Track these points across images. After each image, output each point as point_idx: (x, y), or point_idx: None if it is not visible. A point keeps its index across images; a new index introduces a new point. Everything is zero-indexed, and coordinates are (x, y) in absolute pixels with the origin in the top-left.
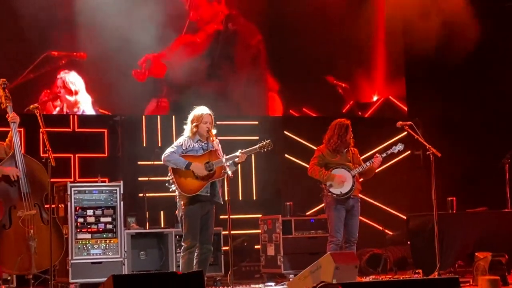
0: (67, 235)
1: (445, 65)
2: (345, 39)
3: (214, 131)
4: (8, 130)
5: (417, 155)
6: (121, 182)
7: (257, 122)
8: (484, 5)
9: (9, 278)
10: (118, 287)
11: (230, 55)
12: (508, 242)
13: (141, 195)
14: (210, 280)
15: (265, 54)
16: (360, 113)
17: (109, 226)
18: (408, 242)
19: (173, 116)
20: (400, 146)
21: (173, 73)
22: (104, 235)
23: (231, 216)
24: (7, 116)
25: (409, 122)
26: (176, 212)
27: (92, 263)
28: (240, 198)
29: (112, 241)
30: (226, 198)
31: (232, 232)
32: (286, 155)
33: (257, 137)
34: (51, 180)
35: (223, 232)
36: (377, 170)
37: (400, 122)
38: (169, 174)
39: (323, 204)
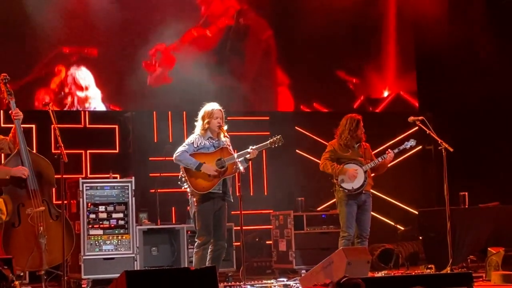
0: (79, 231)
1: (457, 59)
2: (355, 34)
3: (225, 127)
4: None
5: (429, 150)
6: (133, 178)
7: (268, 118)
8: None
9: (22, 274)
10: (131, 283)
11: (240, 50)
12: None
13: (152, 191)
14: (222, 276)
15: (275, 49)
16: (371, 108)
17: (121, 222)
18: (420, 237)
19: (184, 112)
20: (412, 142)
21: (182, 66)
22: (116, 231)
23: (242, 212)
24: (10, 112)
25: (421, 117)
26: (189, 208)
27: (104, 259)
28: (252, 194)
29: (124, 237)
30: (237, 194)
31: (244, 227)
32: (297, 151)
33: (268, 133)
34: (63, 176)
35: (235, 228)
36: (389, 165)
37: (412, 117)
38: (181, 172)
39: (334, 200)
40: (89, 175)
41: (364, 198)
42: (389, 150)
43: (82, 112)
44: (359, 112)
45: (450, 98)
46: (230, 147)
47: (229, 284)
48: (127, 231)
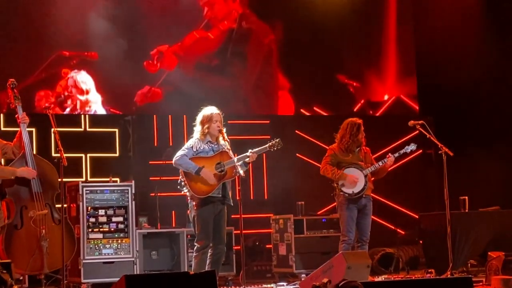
0: (79, 235)
1: (457, 62)
2: (356, 38)
3: (224, 130)
4: (18, 129)
5: (429, 154)
6: (133, 181)
7: (268, 121)
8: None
9: (21, 278)
10: (131, 287)
11: (242, 53)
12: None
13: (152, 194)
14: (221, 280)
15: (277, 53)
16: (371, 112)
17: (121, 226)
18: (420, 242)
19: (184, 116)
20: (412, 146)
21: (184, 67)
22: (116, 235)
23: (242, 216)
24: (16, 117)
25: (421, 121)
26: (188, 212)
27: (104, 263)
28: (252, 198)
29: (123, 241)
30: (237, 198)
31: (244, 231)
32: (298, 154)
33: (268, 136)
34: (63, 180)
35: (235, 232)
36: (389, 169)
37: (412, 121)
38: (180, 176)
39: (334, 204)
40: (89, 179)
41: (364, 202)
42: (389, 154)
43: (82, 115)
44: (359, 116)
45: (450, 102)
46: (230, 151)
47: None
48: (127, 235)
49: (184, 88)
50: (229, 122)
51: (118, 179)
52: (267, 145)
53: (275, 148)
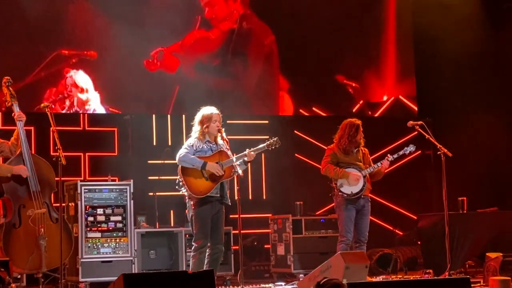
0: (77, 234)
1: (456, 63)
2: (355, 39)
3: (223, 130)
4: (15, 128)
5: (428, 155)
6: (131, 181)
7: (267, 121)
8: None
9: (19, 276)
10: (129, 286)
11: (242, 53)
12: None
13: (151, 194)
14: (220, 280)
15: (277, 54)
16: (370, 112)
17: (119, 225)
18: (419, 242)
19: (183, 115)
20: (411, 147)
21: (185, 67)
22: (114, 234)
23: (241, 216)
24: (13, 115)
25: (420, 122)
26: (186, 212)
27: (102, 262)
28: (250, 198)
29: (122, 240)
30: (236, 198)
31: (242, 231)
32: (296, 155)
33: (267, 136)
34: (61, 178)
35: (233, 232)
36: (388, 170)
37: (411, 121)
38: (178, 176)
39: (333, 204)
40: (87, 178)
41: (362, 202)
42: (388, 155)
43: (81, 114)
44: (358, 116)
45: (449, 103)
46: (229, 151)
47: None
48: (125, 234)
49: (184, 88)
50: (228, 122)
51: (116, 178)
52: (265, 144)
53: (273, 147)
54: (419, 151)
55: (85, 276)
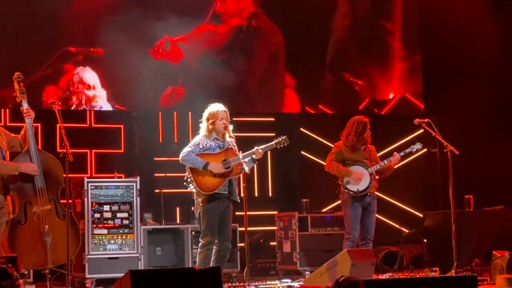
0: (83, 231)
1: (463, 61)
2: (362, 36)
3: (230, 127)
4: (24, 125)
5: (434, 153)
6: (138, 177)
7: (273, 119)
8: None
9: (26, 272)
10: (136, 282)
11: (249, 51)
12: None
13: (157, 191)
14: (226, 277)
15: (283, 53)
16: (376, 110)
17: (126, 222)
18: (425, 240)
19: (189, 112)
20: (418, 145)
21: (189, 60)
22: (121, 231)
23: (247, 213)
24: (21, 110)
25: (426, 120)
26: (194, 208)
27: (109, 258)
28: (256, 195)
29: (128, 237)
30: (242, 195)
31: (248, 228)
32: (302, 152)
33: (273, 134)
34: (68, 175)
35: (239, 229)
36: (395, 167)
37: (418, 119)
38: (187, 173)
39: (339, 201)
40: (94, 175)
41: (369, 200)
42: (395, 153)
43: (88, 111)
44: (365, 114)
45: (456, 100)
46: (235, 148)
47: (233, 284)
48: (132, 230)
49: (189, 84)
50: (234, 119)
51: (123, 175)
52: (273, 142)
53: (281, 146)
54: (426, 149)
55: (92, 272)
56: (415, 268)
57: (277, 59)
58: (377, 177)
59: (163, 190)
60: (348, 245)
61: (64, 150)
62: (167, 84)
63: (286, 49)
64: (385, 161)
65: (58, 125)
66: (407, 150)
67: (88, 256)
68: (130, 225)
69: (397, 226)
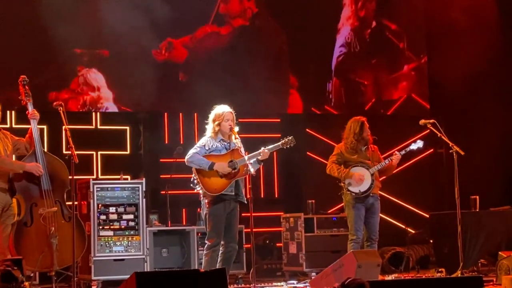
0: (89, 232)
1: (469, 61)
2: (367, 37)
3: (236, 129)
4: (29, 126)
5: (440, 153)
6: (143, 179)
7: (279, 120)
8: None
9: (31, 274)
10: (141, 284)
11: (252, 51)
12: None
13: (163, 192)
14: (232, 278)
15: (287, 54)
16: (382, 110)
17: (131, 224)
18: (431, 241)
19: (195, 113)
20: (419, 143)
21: (194, 60)
22: (127, 232)
23: (253, 214)
24: (27, 113)
25: (432, 120)
26: (200, 210)
27: (115, 260)
28: (262, 196)
29: (134, 238)
30: (248, 196)
31: (254, 230)
32: (308, 153)
33: (279, 135)
34: (74, 177)
35: (245, 230)
36: (400, 168)
37: (423, 120)
38: (193, 174)
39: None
40: (100, 176)
41: (372, 201)
42: (396, 152)
43: (94, 113)
44: (370, 115)
45: (461, 101)
46: (242, 149)
47: (239, 286)
48: (138, 232)
49: (194, 85)
50: (239, 120)
51: (129, 177)
52: (279, 143)
53: (287, 146)
54: (432, 149)
55: (98, 274)
56: (421, 269)
57: (281, 59)
58: (381, 178)
59: (169, 192)
60: (353, 247)
61: (70, 152)
62: (172, 85)
63: (289, 49)
64: (386, 161)
65: (63, 127)
66: (408, 149)
67: (94, 258)
68: (136, 227)
69: (403, 226)
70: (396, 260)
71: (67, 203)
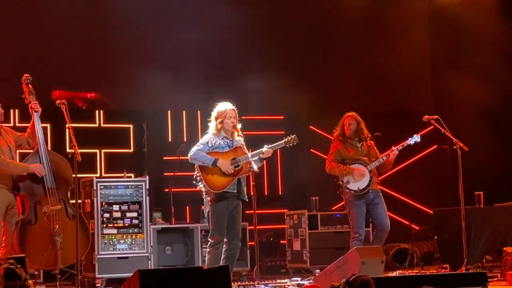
0: (93, 231)
1: (472, 57)
2: (368, 31)
3: (239, 126)
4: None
5: (444, 149)
6: (147, 177)
7: (282, 117)
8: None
9: (36, 273)
10: (144, 282)
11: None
12: None
13: (166, 190)
14: (236, 275)
15: (291, 50)
16: (385, 107)
17: (135, 221)
18: (435, 237)
19: (198, 111)
20: (416, 138)
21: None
22: (130, 230)
23: (256, 211)
24: (30, 107)
25: (435, 116)
26: (203, 207)
27: (118, 258)
28: (266, 193)
29: (138, 236)
30: (251, 193)
31: (258, 227)
32: (312, 150)
33: (282, 132)
34: (77, 175)
35: (249, 227)
36: (404, 165)
37: (427, 116)
38: (196, 171)
39: None
40: (103, 175)
41: (372, 196)
42: (392, 147)
43: (97, 111)
44: (373, 111)
45: (465, 96)
46: (244, 146)
47: (243, 283)
48: (141, 230)
49: (197, 84)
50: (243, 117)
51: (132, 175)
52: (283, 141)
53: (291, 144)
54: (436, 146)
55: (102, 272)
56: (425, 265)
57: (286, 55)
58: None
59: (173, 189)
60: (355, 244)
61: (73, 150)
62: (176, 83)
63: (292, 46)
64: (384, 157)
65: (66, 125)
66: (405, 144)
67: (98, 256)
68: (140, 225)
69: (408, 223)
70: (401, 256)
71: (70, 201)
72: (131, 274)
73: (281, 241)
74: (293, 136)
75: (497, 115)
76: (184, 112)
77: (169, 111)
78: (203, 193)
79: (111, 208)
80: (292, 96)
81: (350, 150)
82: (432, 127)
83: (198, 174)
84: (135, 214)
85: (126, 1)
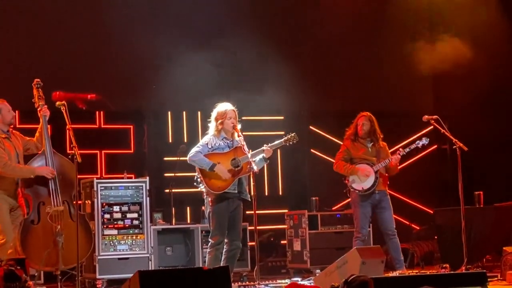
0: (94, 231)
1: (473, 58)
2: (369, 33)
3: (238, 126)
4: (35, 126)
5: (444, 149)
6: (147, 178)
7: (282, 117)
8: None
9: (36, 274)
10: (145, 282)
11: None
12: None
13: (167, 191)
14: (236, 276)
15: (290, 50)
16: (385, 107)
17: (136, 222)
18: (435, 237)
19: (199, 112)
20: (424, 140)
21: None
22: (131, 231)
23: (257, 212)
24: (38, 110)
25: (435, 116)
26: (204, 208)
27: (119, 259)
28: (266, 194)
29: (138, 237)
30: (252, 193)
31: (258, 227)
32: (312, 150)
33: (282, 132)
34: (78, 176)
35: (249, 228)
36: (404, 165)
37: (426, 116)
38: (196, 173)
39: (349, 199)
40: (104, 175)
41: (378, 197)
42: (400, 149)
43: (97, 112)
44: (373, 111)
45: (464, 96)
46: (245, 146)
47: (244, 284)
48: (142, 231)
49: (199, 83)
50: (243, 118)
51: (132, 176)
52: (282, 140)
53: (291, 143)
54: (435, 146)
55: (102, 273)
56: (425, 265)
57: (286, 55)
58: (386, 174)
59: (173, 190)
60: (358, 244)
61: (73, 151)
62: (176, 84)
63: (292, 46)
64: (387, 160)
65: (66, 127)
66: (412, 146)
67: (99, 257)
68: (140, 226)
69: (408, 223)
70: None
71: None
72: (131, 275)
73: (282, 241)
74: (293, 134)
75: (497, 115)
76: (184, 112)
77: (169, 112)
78: (204, 194)
79: (111, 209)
80: (292, 96)
81: (360, 149)
82: (431, 127)
83: (198, 176)
84: (135, 215)
85: (127, 1)
